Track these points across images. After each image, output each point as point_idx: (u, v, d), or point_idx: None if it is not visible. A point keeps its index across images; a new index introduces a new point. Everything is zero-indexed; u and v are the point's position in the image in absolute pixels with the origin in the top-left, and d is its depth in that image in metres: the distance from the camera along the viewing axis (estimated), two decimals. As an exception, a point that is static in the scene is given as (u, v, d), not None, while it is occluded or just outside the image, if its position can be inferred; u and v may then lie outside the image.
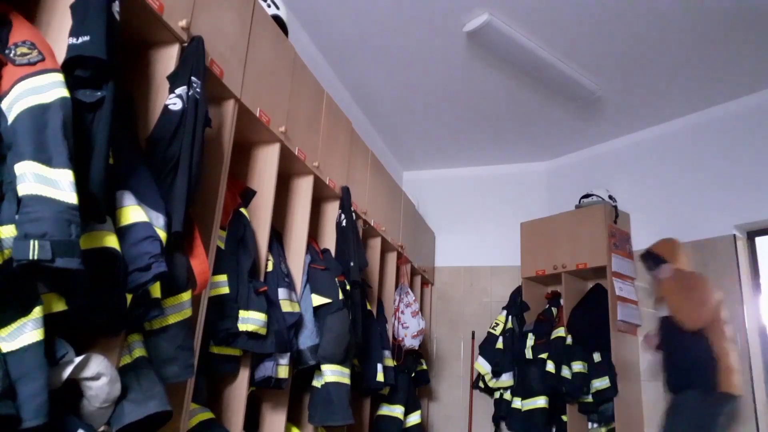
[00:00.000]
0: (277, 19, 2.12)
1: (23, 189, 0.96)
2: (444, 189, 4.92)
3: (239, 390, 1.77)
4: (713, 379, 2.67)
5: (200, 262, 1.41)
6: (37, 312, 0.98)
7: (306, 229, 2.25)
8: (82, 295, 1.06)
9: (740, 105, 3.59)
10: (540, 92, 3.68)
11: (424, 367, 3.87)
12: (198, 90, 1.44)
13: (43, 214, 0.95)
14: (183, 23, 1.47)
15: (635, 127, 4.09)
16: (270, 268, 1.96)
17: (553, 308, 3.91)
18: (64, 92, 1.05)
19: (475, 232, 4.69)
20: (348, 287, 2.31)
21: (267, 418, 2.02)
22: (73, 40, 1.12)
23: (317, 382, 2.18)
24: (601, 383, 3.51)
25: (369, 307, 2.80)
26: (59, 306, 1.04)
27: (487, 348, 3.94)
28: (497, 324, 3.95)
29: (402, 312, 3.39)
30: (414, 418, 3.35)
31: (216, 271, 1.66)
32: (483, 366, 3.91)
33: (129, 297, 1.17)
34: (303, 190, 2.32)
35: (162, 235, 1.24)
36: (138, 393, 1.18)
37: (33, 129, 1.00)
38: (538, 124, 4.13)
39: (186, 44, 1.50)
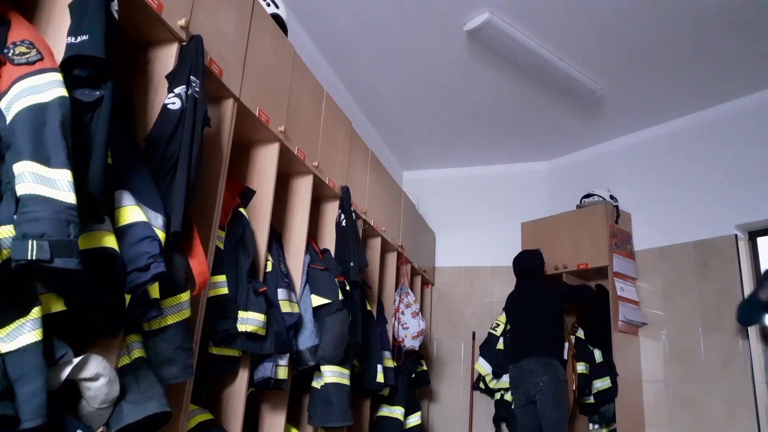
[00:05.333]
0: (276, 18, 2.11)
1: (22, 189, 0.96)
2: (444, 189, 4.92)
3: (238, 391, 1.76)
4: None
5: (199, 263, 1.41)
6: (35, 312, 0.97)
7: (305, 229, 2.24)
8: (81, 296, 1.06)
9: (742, 104, 3.59)
10: (541, 91, 3.67)
11: (425, 368, 3.86)
12: (197, 89, 1.44)
13: (42, 214, 0.94)
14: (182, 22, 1.47)
15: (636, 127, 4.09)
16: (269, 268, 1.95)
17: (553, 309, 3.91)
18: (63, 91, 1.05)
19: (476, 232, 4.68)
20: (348, 288, 2.30)
21: (266, 419, 2.02)
22: (72, 40, 1.12)
23: (317, 383, 2.18)
24: (602, 383, 3.51)
25: (369, 308, 2.79)
26: (58, 306, 1.04)
27: (487, 349, 3.93)
28: (498, 324, 3.94)
29: (402, 312, 3.38)
30: (414, 419, 3.34)
31: (215, 272, 1.65)
32: (483, 367, 3.90)
33: (128, 297, 1.17)
34: (302, 189, 2.31)
35: (161, 235, 1.24)
36: (137, 394, 1.18)
37: (31, 128, 0.99)
38: (539, 124, 4.13)
39: (185, 43, 1.49)
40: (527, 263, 3.66)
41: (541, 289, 3.52)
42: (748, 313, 3.02)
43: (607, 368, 3.52)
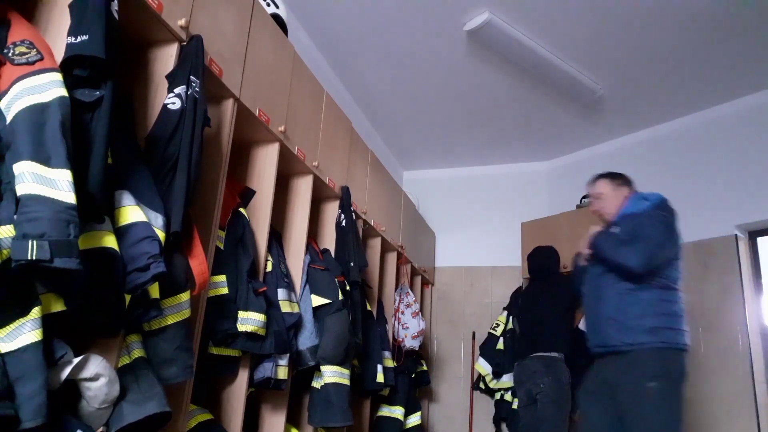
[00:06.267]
0: (276, 18, 2.11)
1: (22, 189, 0.96)
2: (444, 189, 4.92)
3: (238, 391, 1.76)
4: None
5: (199, 263, 1.41)
6: (35, 312, 0.97)
7: (305, 229, 2.24)
8: (81, 296, 1.06)
9: (741, 105, 3.59)
10: (541, 92, 3.67)
11: (425, 367, 3.87)
12: (197, 89, 1.44)
13: (42, 214, 0.94)
14: (182, 22, 1.47)
15: (636, 127, 4.09)
16: (269, 268, 1.95)
17: (553, 308, 3.90)
18: (63, 91, 1.05)
19: (476, 232, 4.68)
20: (348, 288, 2.30)
21: (266, 419, 2.02)
22: (72, 40, 1.12)
23: (317, 383, 2.18)
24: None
25: (369, 308, 2.79)
26: (58, 306, 1.04)
27: (487, 349, 3.93)
28: (498, 324, 3.94)
29: (402, 312, 3.38)
30: (414, 419, 3.35)
31: (215, 272, 1.65)
32: (483, 367, 3.90)
33: (128, 297, 1.17)
34: (302, 189, 2.31)
35: (161, 235, 1.24)
36: (137, 394, 1.18)
37: (31, 128, 0.99)
38: (539, 124, 4.13)
39: (185, 43, 1.49)
40: (543, 260, 3.59)
41: (555, 286, 3.46)
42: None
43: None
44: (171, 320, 1.31)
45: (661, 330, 2.15)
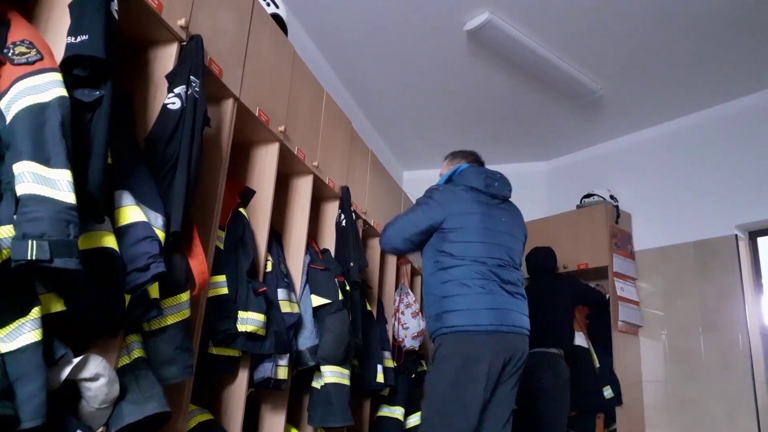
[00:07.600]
0: (276, 17, 2.11)
1: (21, 189, 0.96)
2: (444, 189, 4.91)
3: (238, 391, 1.76)
4: None
5: (199, 263, 1.41)
6: (35, 312, 0.97)
7: (305, 229, 2.24)
8: (81, 296, 1.06)
9: (742, 104, 3.59)
10: (541, 91, 3.67)
11: (425, 368, 3.86)
12: (197, 89, 1.44)
13: (42, 214, 0.94)
14: (182, 22, 1.47)
15: (637, 127, 4.09)
16: (269, 268, 1.95)
17: (553, 309, 3.90)
18: (63, 91, 1.05)
19: (476, 232, 4.67)
20: (348, 288, 2.30)
21: (266, 420, 2.02)
22: (72, 39, 1.11)
23: (317, 383, 2.18)
24: (606, 393, 3.49)
25: (369, 308, 2.79)
26: (58, 306, 1.03)
27: (487, 348, 3.92)
28: (497, 324, 3.93)
29: (402, 313, 3.38)
30: (414, 420, 3.34)
31: (215, 272, 1.65)
32: (483, 366, 3.89)
33: (127, 297, 1.17)
34: (302, 189, 2.31)
35: (161, 235, 1.24)
36: (137, 394, 1.18)
37: (31, 128, 0.99)
38: (539, 124, 4.13)
39: (185, 43, 1.49)
40: (542, 260, 3.60)
41: (555, 285, 3.48)
42: None
43: (608, 376, 3.49)
44: (171, 320, 1.31)
45: (441, 315, 2.05)
